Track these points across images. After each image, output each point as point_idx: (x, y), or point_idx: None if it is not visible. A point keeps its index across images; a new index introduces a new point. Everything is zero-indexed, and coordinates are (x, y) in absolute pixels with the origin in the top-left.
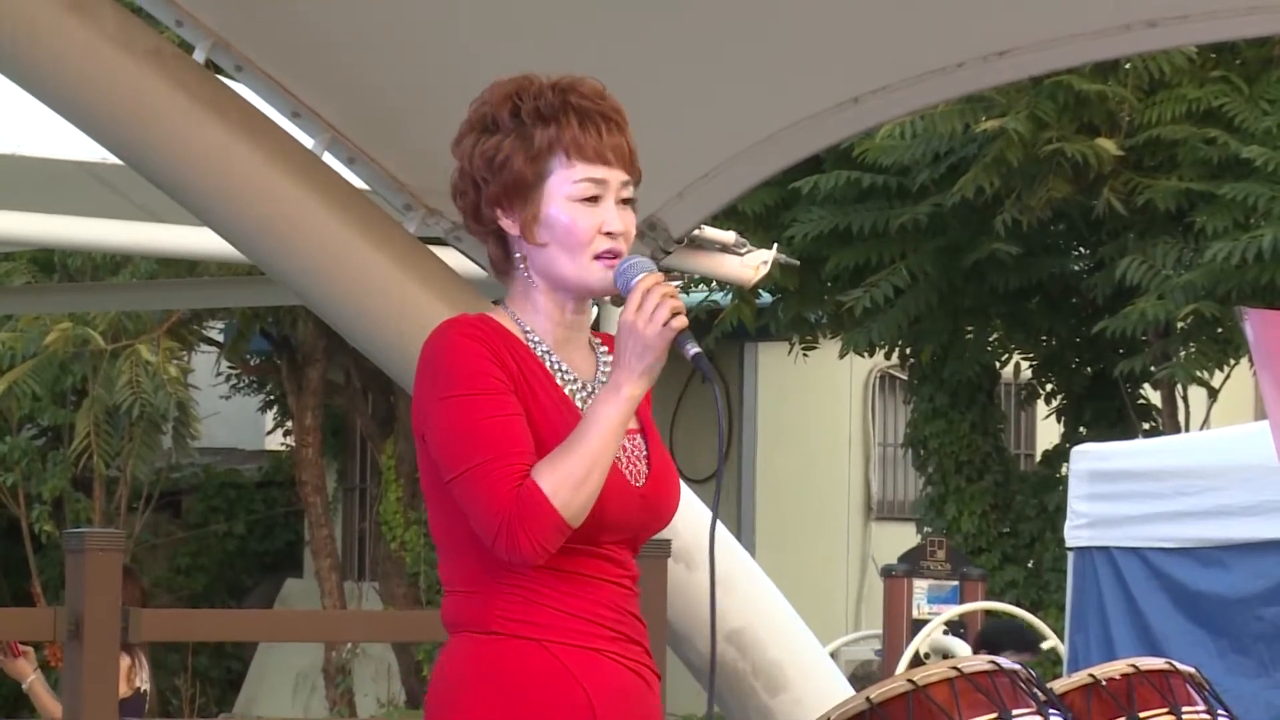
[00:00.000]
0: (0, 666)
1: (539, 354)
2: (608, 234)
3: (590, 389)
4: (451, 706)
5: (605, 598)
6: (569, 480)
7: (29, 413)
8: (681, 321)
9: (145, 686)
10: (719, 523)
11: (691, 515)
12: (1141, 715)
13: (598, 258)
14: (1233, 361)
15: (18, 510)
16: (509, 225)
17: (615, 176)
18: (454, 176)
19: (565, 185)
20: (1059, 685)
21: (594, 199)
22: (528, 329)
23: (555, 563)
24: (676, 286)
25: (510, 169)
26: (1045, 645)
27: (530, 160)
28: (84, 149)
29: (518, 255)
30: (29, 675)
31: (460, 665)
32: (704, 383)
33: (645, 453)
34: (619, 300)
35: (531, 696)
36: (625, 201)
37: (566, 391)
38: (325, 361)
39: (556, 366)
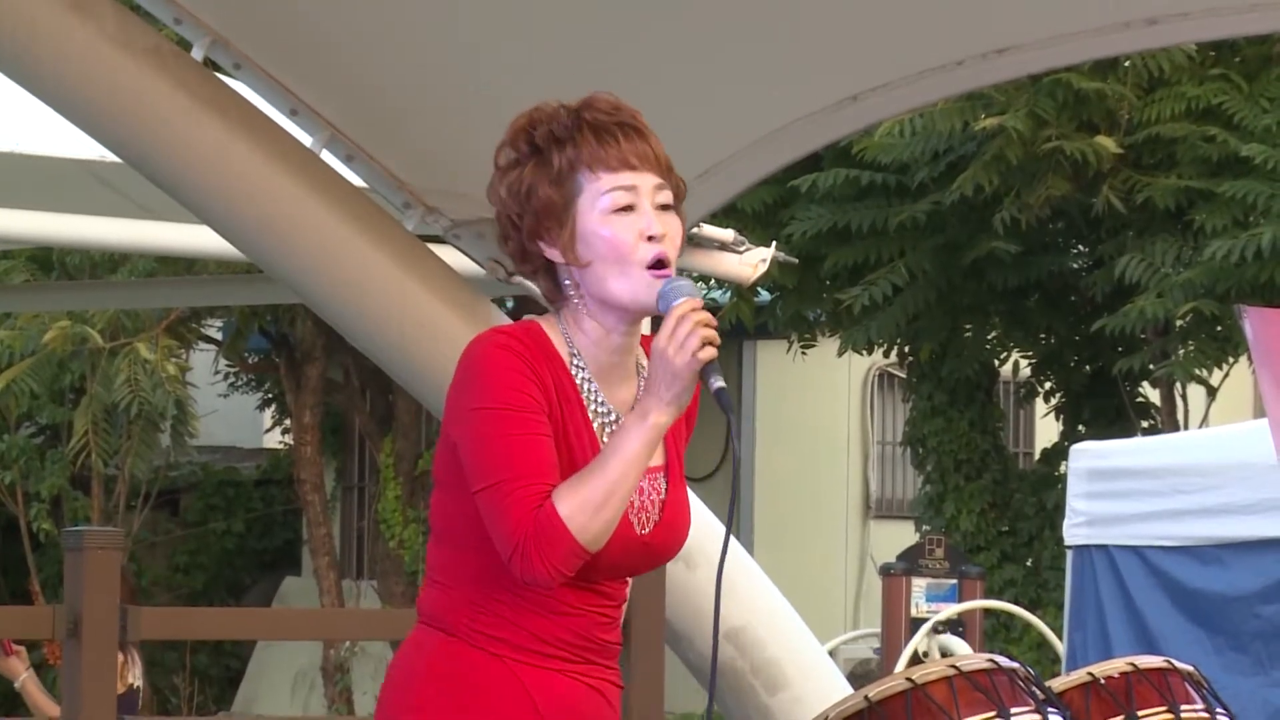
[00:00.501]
0: None
1: (579, 380)
2: (650, 238)
3: (620, 422)
4: (402, 700)
5: (579, 627)
6: (588, 506)
7: (27, 411)
8: (710, 353)
9: (138, 683)
10: (717, 521)
11: (692, 515)
12: (1140, 714)
13: (649, 268)
14: (1231, 359)
15: (16, 508)
16: (553, 254)
17: (645, 180)
18: (497, 218)
19: (597, 199)
20: (1057, 683)
21: (629, 207)
22: (575, 350)
23: (544, 591)
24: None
25: (537, 196)
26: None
27: (554, 183)
28: (83, 147)
29: (567, 283)
30: (21, 674)
31: (417, 660)
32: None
33: (663, 497)
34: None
35: (481, 702)
36: (665, 207)
37: (596, 426)
38: (324, 360)
39: (593, 396)
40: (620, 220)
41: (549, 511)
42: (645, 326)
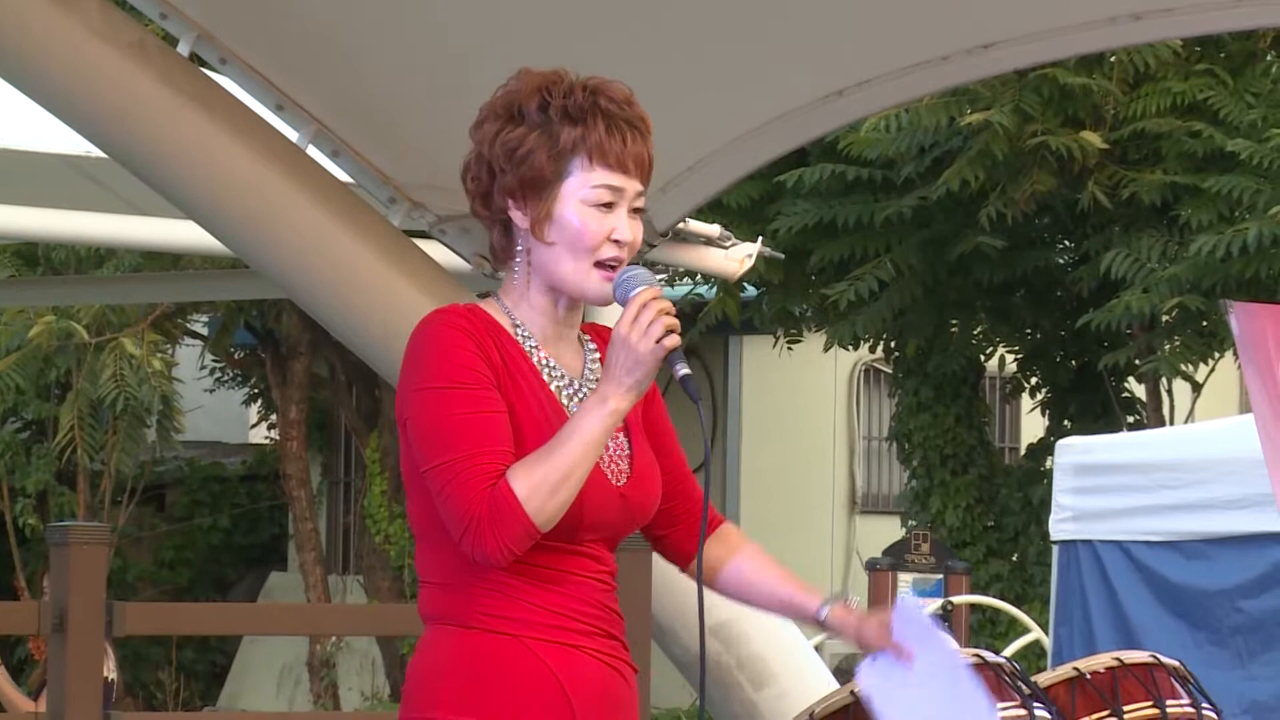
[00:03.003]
0: None
1: (527, 349)
2: (615, 241)
3: (577, 386)
4: (429, 697)
5: (584, 594)
6: (543, 487)
7: (13, 406)
8: (674, 340)
9: (112, 676)
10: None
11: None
12: (1126, 709)
13: (599, 265)
14: (1217, 355)
15: (1, 504)
16: (519, 218)
17: (632, 186)
18: (468, 158)
19: (583, 188)
20: (1043, 679)
21: (608, 205)
22: (518, 322)
23: (533, 559)
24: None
25: (531, 163)
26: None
27: (552, 158)
28: (68, 142)
29: (521, 248)
30: None
31: (438, 657)
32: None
33: (628, 452)
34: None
35: (509, 691)
36: (636, 211)
37: (553, 388)
38: (310, 355)
39: (544, 362)
40: (596, 215)
41: (504, 490)
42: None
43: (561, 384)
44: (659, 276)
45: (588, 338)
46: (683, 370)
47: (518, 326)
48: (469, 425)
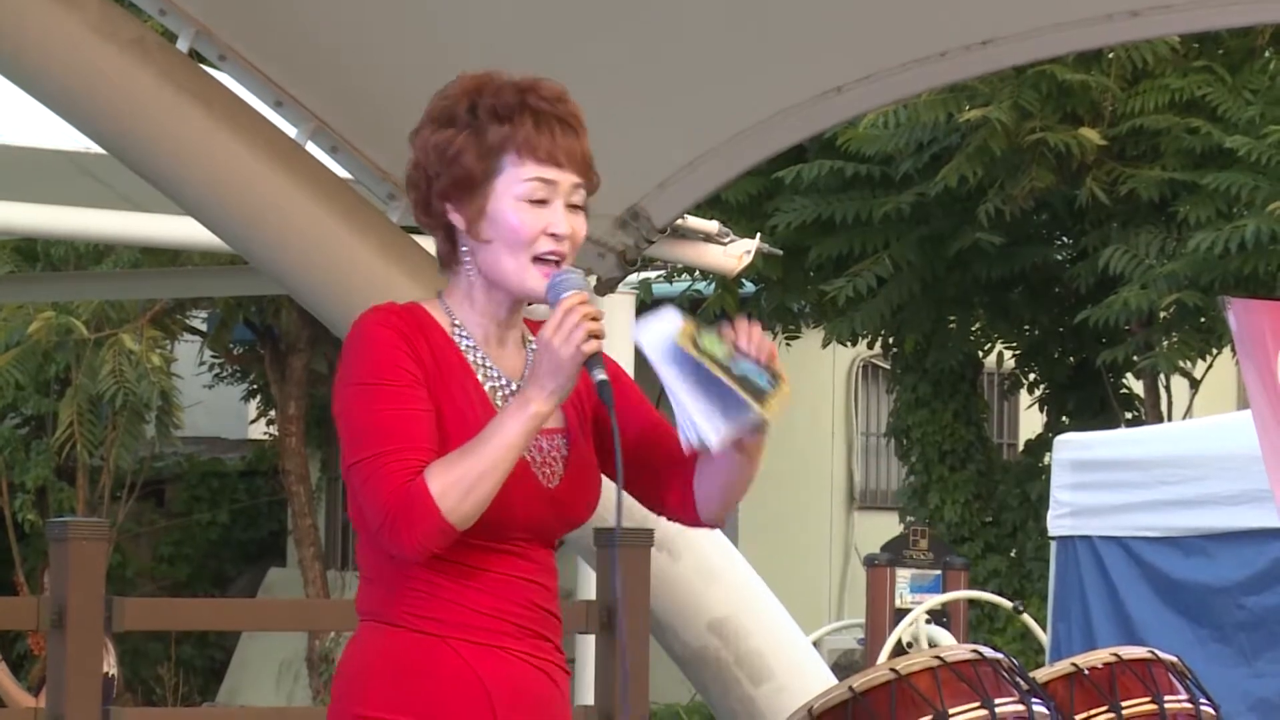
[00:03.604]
0: None
1: (463, 348)
2: (552, 235)
3: (515, 388)
4: (353, 694)
5: (513, 594)
6: (458, 486)
7: (12, 401)
8: (594, 346)
9: (112, 672)
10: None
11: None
12: (1124, 704)
13: (538, 260)
14: (1215, 351)
15: (0, 499)
16: (457, 220)
17: (566, 179)
18: (408, 167)
19: (515, 184)
20: (1041, 674)
21: (543, 200)
22: (457, 322)
23: (463, 558)
24: (600, 309)
25: (461, 164)
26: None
27: (481, 157)
28: (67, 138)
29: (463, 250)
30: None
31: (365, 654)
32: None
33: (565, 454)
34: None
35: (432, 690)
36: (575, 207)
37: (487, 389)
38: (309, 351)
39: (481, 363)
40: (531, 211)
41: (420, 487)
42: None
43: (497, 384)
44: (657, 273)
45: (532, 340)
46: (599, 376)
47: (456, 326)
48: (390, 422)
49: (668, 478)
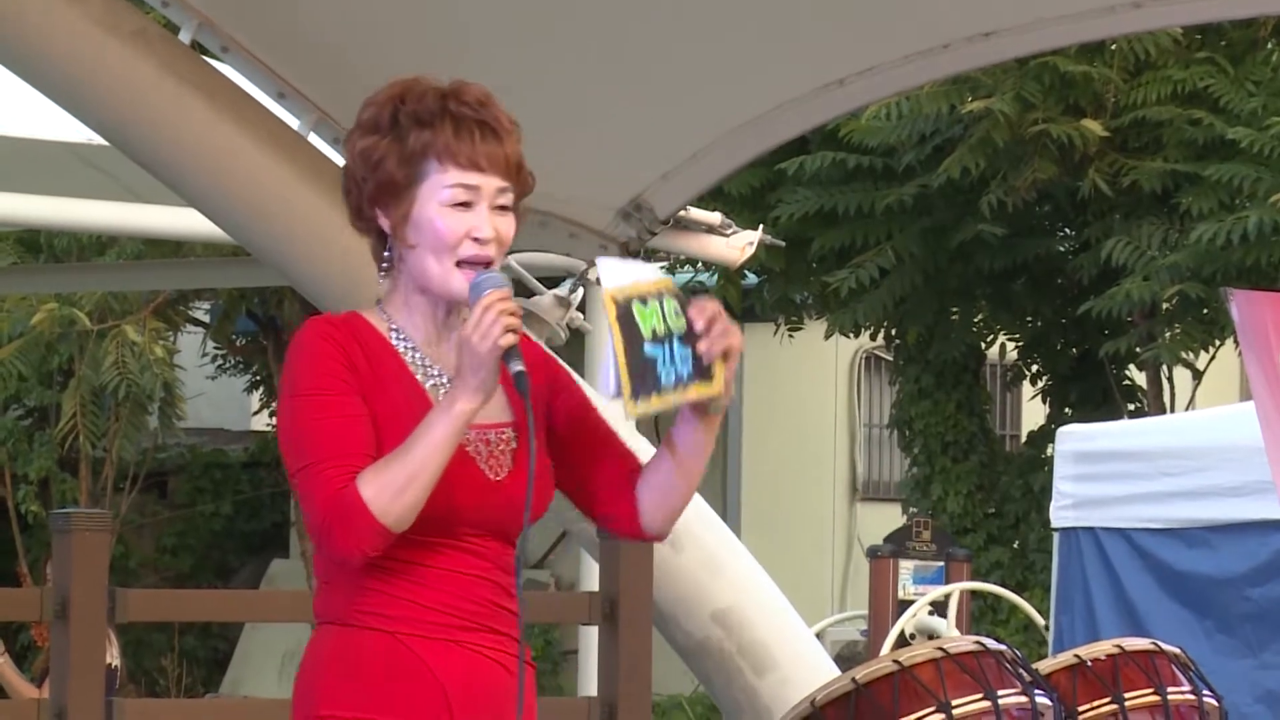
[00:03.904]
0: None
1: (402, 350)
2: (475, 239)
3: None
4: (310, 695)
5: (464, 590)
6: (388, 489)
7: (15, 393)
8: (509, 339)
9: (115, 663)
10: (706, 503)
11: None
12: (1127, 696)
13: (462, 264)
14: (1218, 342)
15: (4, 490)
16: (385, 224)
17: (489, 183)
18: (342, 173)
19: (437, 190)
20: (1044, 666)
21: (466, 204)
22: (395, 327)
23: (412, 557)
24: (519, 304)
25: (384, 170)
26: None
27: (403, 163)
28: (70, 130)
29: (391, 254)
30: None
31: (320, 655)
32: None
33: (513, 447)
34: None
35: (385, 686)
36: (503, 208)
37: (428, 386)
38: None
39: (421, 364)
40: (454, 216)
41: (352, 492)
42: None
43: (440, 382)
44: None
45: None
46: (516, 368)
47: (394, 331)
48: (326, 431)
49: (602, 482)
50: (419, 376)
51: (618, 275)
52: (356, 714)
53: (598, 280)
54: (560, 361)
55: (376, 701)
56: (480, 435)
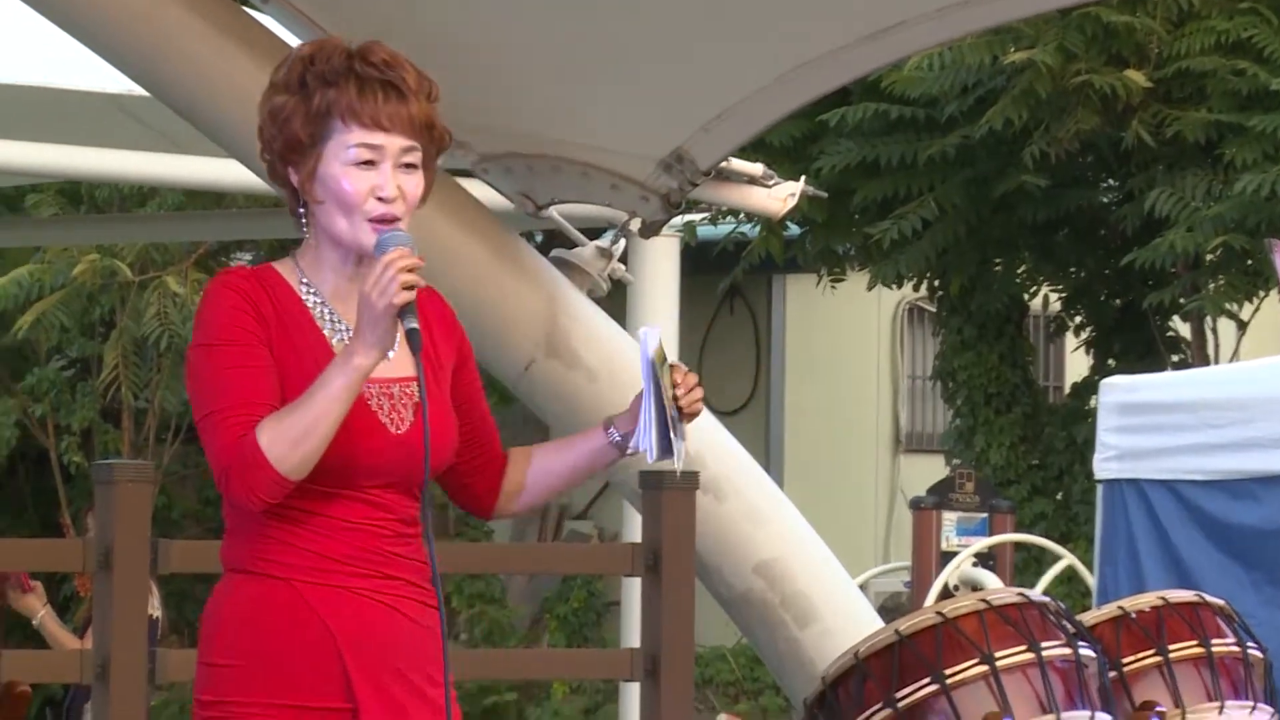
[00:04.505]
0: (11, 603)
1: (310, 304)
2: (380, 199)
3: None
4: (208, 644)
5: (359, 540)
6: (285, 438)
7: (57, 344)
8: (405, 296)
9: (157, 614)
10: (748, 455)
11: (720, 447)
12: (1171, 647)
13: (372, 220)
14: (1262, 293)
15: (46, 441)
16: (295, 180)
17: (393, 143)
18: (258, 133)
19: (341, 150)
20: (1088, 618)
21: (370, 163)
22: (306, 280)
23: (313, 506)
24: (418, 260)
25: (290, 128)
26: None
27: (308, 122)
28: (111, 80)
29: (302, 210)
30: (39, 611)
31: (216, 605)
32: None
33: (415, 401)
34: None
35: (275, 632)
36: (409, 166)
37: (334, 341)
38: None
39: (327, 317)
40: (359, 174)
41: (251, 441)
42: None
43: (345, 336)
44: (702, 215)
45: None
46: (410, 324)
47: (305, 284)
48: (229, 380)
49: (479, 466)
50: (325, 330)
51: (656, 339)
52: (250, 662)
53: (640, 231)
54: (458, 321)
55: (265, 649)
56: (383, 389)
